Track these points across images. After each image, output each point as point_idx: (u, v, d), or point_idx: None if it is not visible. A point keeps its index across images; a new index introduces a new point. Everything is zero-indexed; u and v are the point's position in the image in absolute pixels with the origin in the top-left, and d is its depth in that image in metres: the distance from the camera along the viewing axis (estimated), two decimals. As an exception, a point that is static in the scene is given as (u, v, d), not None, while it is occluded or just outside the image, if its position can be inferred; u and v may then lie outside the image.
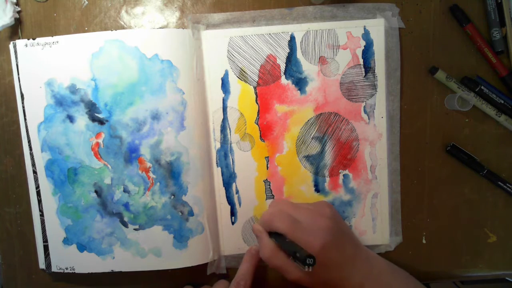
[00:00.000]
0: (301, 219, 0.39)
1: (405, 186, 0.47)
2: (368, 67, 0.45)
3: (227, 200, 0.46)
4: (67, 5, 0.45)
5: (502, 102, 0.45)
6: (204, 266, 0.46)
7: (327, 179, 0.46)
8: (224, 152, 0.46)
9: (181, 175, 0.44)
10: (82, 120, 0.44)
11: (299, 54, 0.45)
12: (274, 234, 0.40)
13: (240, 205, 0.46)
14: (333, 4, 0.45)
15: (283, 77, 0.45)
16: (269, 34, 0.45)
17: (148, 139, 0.43)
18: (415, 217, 0.47)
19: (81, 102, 0.44)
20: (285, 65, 0.45)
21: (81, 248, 0.45)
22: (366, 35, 0.45)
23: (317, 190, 0.46)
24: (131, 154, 0.44)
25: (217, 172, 0.46)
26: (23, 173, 0.46)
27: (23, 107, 0.45)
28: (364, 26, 0.45)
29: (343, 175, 0.46)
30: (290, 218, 0.39)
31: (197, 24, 0.45)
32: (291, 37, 0.45)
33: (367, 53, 0.45)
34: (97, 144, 0.44)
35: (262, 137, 0.46)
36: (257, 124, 0.46)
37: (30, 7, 0.45)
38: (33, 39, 0.43)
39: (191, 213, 0.44)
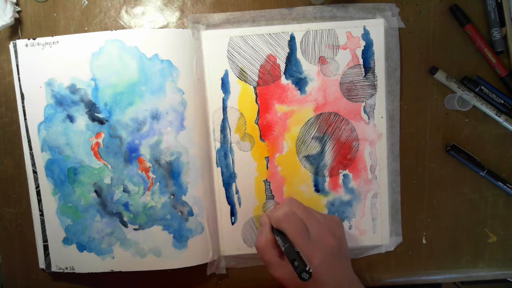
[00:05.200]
0: (310, 229, 0.38)
1: (405, 186, 0.47)
2: (368, 67, 0.45)
3: (227, 200, 0.46)
4: (67, 5, 0.45)
5: (502, 102, 0.45)
6: (204, 266, 0.46)
7: (327, 179, 0.46)
8: (224, 152, 0.46)
9: (181, 175, 0.44)
10: (82, 120, 0.44)
11: (299, 54, 0.45)
12: (277, 231, 0.40)
13: (240, 205, 0.46)
14: (333, 4, 0.45)
15: (283, 77, 0.45)
16: (269, 34, 0.45)
17: (148, 139, 0.44)
18: (415, 217, 0.47)
19: (81, 102, 0.44)
20: (285, 65, 0.45)
21: (81, 248, 0.45)
22: (366, 35, 0.45)
23: (317, 190, 0.46)
24: (131, 154, 0.44)
25: (217, 172, 0.46)
26: (23, 173, 0.46)
27: (23, 107, 0.45)
28: (364, 26, 0.45)
29: (343, 175, 0.46)
30: (300, 225, 0.38)
31: (197, 24, 0.45)
32: (291, 37, 0.45)
33: (367, 53, 0.45)
34: (97, 144, 0.44)
35: (262, 137, 0.46)
36: (257, 124, 0.46)
37: (30, 7, 0.45)
38: (33, 39, 0.43)
39: (190, 213, 0.44)
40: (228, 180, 0.46)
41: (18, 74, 0.44)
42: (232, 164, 0.46)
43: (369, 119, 0.45)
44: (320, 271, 0.36)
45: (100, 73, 0.43)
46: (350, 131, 0.46)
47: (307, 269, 0.32)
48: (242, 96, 0.45)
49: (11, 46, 0.44)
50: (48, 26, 0.45)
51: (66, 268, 0.46)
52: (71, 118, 0.44)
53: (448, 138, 0.47)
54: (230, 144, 0.46)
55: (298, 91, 0.45)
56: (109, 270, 0.45)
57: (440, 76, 0.45)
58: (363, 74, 0.45)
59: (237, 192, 0.46)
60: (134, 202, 0.44)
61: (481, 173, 0.46)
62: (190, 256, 0.45)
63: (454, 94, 0.45)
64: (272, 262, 0.39)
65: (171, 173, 0.44)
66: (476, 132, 0.47)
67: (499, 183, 0.46)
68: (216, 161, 0.46)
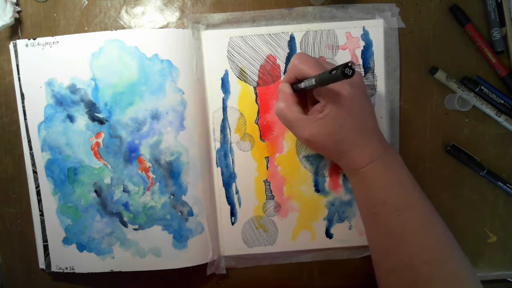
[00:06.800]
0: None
1: (405, 186, 0.47)
2: (367, 67, 0.45)
3: (227, 200, 0.46)
4: (67, 5, 0.45)
5: (502, 102, 0.45)
6: (203, 266, 0.46)
7: (327, 179, 0.46)
8: (224, 152, 0.46)
9: (181, 175, 0.44)
10: (82, 120, 0.44)
11: (299, 54, 0.45)
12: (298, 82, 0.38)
13: (240, 205, 0.46)
14: (333, 4, 0.45)
15: (282, 77, 0.45)
16: (269, 34, 0.45)
17: (147, 139, 0.44)
18: (415, 217, 0.47)
19: (81, 101, 0.44)
20: (285, 65, 0.45)
21: (81, 248, 0.45)
22: (365, 36, 0.45)
23: (317, 190, 0.46)
24: (131, 154, 0.44)
25: (217, 172, 0.46)
26: (23, 173, 0.46)
27: (23, 107, 0.45)
28: (363, 26, 0.45)
29: (343, 174, 0.46)
30: (319, 62, 0.36)
31: (197, 24, 0.45)
32: (290, 38, 0.45)
33: (366, 53, 0.45)
34: (97, 143, 0.44)
35: (262, 137, 0.46)
36: (257, 124, 0.46)
37: (30, 7, 0.45)
38: (34, 39, 0.43)
39: (190, 213, 0.44)
40: (228, 180, 0.46)
41: (18, 74, 0.44)
42: (232, 164, 0.46)
43: (369, 119, 0.45)
44: (350, 102, 0.34)
45: (100, 73, 0.43)
46: (350, 131, 0.46)
47: (349, 64, 0.28)
48: (242, 96, 0.45)
49: (11, 46, 0.44)
50: (48, 26, 0.45)
51: (66, 268, 0.46)
52: (71, 118, 0.44)
53: (448, 138, 0.47)
54: (230, 144, 0.46)
55: (298, 91, 0.45)
56: (109, 270, 0.45)
57: (440, 76, 0.45)
58: (363, 74, 0.45)
59: (237, 192, 0.46)
60: (134, 202, 0.44)
61: (481, 173, 0.46)
62: (190, 256, 0.45)
63: (454, 94, 0.45)
64: (298, 119, 0.36)
65: (171, 173, 0.44)
66: (476, 132, 0.47)
67: (499, 183, 0.46)
68: (216, 161, 0.46)
